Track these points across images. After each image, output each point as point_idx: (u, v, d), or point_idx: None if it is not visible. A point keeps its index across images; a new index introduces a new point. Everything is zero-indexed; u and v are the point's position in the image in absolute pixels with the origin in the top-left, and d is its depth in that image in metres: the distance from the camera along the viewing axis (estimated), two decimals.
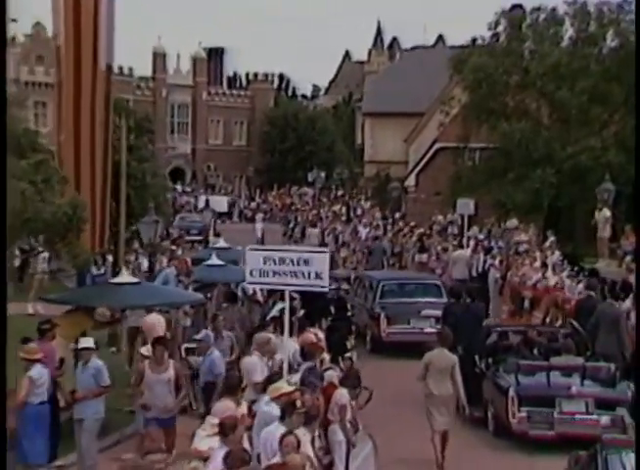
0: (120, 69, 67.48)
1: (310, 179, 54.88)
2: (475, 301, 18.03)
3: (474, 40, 36.55)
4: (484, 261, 28.71)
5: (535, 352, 15.33)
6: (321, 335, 13.55)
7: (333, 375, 11.64)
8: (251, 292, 18.15)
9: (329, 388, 11.25)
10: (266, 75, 78.50)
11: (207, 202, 39.99)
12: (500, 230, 34.16)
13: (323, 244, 41.51)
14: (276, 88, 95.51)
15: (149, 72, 70.70)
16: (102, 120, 17.77)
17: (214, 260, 17.38)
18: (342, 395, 11.25)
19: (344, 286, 23.00)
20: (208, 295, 17.13)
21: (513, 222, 34.00)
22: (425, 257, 33.68)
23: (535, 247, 29.90)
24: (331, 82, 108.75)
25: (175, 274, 16.33)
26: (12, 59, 63.87)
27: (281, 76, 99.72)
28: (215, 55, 77.68)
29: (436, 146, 42.78)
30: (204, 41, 77.43)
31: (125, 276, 13.56)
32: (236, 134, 76.83)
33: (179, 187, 65.82)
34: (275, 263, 10.05)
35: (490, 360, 15.04)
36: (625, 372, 14.47)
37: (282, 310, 15.16)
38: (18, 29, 65.70)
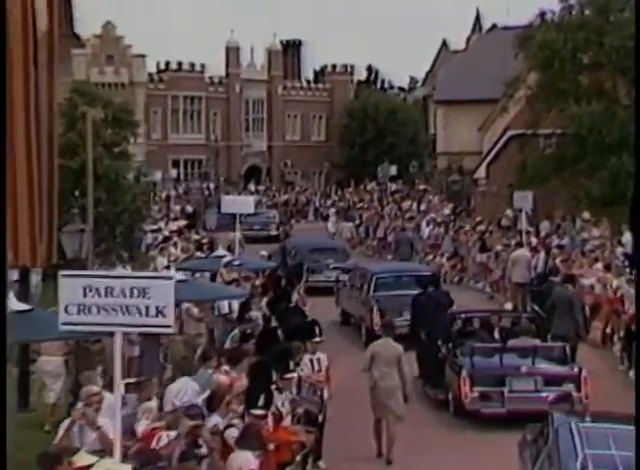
0: (192, 65, 65.61)
1: (380, 174, 51.42)
2: (437, 288, 18.36)
3: (542, 14, 32.59)
4: (546, 262, 25.29)
5: (497, 335, 16.20)
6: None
7: (232, 434, 8.74)
8: (226, 310, 15.36)
9: (224, 449, 8.41)
10: (345, 67, 75.23)
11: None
12: (569, 225, 30.58)
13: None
14: (364, 81, 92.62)
15: (222, 68, 68.36)
16: (45, 100, 14.76)
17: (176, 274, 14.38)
18: (244, 460, 8.35)
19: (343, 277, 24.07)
20: None
21: (585, 216, 30.35)
22: (485, 257, 30.46)
23: (608, 244, 26.33)
24: (428, 73, 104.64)
25: None
26: (82, 60, 62.65)
27: (369, 68, 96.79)
28: (293, 47, 74.92)
29: (508, 134, 39.03)
30: (287, 33, 75.08)
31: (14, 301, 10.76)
32: (314, 129, 73.87)
33: (252, 186, 63.38)
34: (100, 295, 7.08)
35: (451, 345, 15.77)
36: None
37: (242, 336, 12.49)
38: (87, 30, 64.84)
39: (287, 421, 10.50)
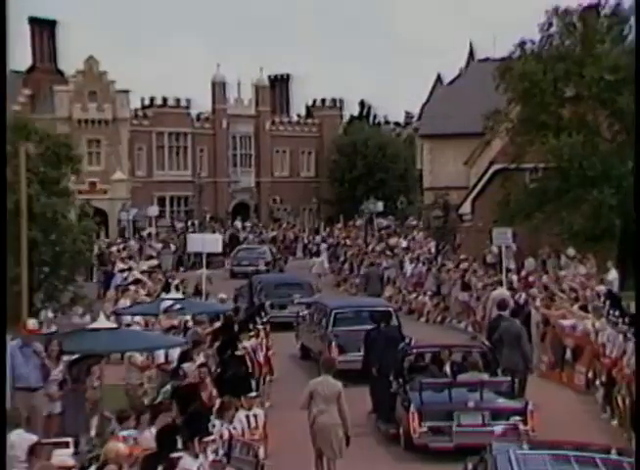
0: (177, 101, 64.78)
1: (365, 210, 50.29)
2: (388, 324, 18.37)
3: (522, 44, 31.66)
4: (526, 301, 24.18)
5: (449, 369, 16.28)
6: None
7: None
8: (161, 360, 14.18)
9: None
10: (334, 101, 74.39)
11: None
12: (554, 262, 29.53)
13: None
14: (356, 116, 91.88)
15: (208, 103, 67.48)
16: None
17: (102, 322, 13.22)
18: None
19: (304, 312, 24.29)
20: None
21: (569, 252, 29.26)
22: (467, 295, 29.39)
23: (595, 282, 25.25)
24: (422, 107, 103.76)
25: (20, 346, 12.28)
26: (65, 96, 61.80)
27: (362, 103, 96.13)
28: (281, 81, 74.15)
29: (494, 168, 37.97)
30: (272, 68, 74.28)
31: None
32: (303, 165, 72.86)
33: (239, 223, 62.29)
34: None
35: (401, 380, 15.91)
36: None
37: (172, 393, 11.35)
38: (71, 65, 64.01)
39: None
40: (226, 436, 11.25)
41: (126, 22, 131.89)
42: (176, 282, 26.37)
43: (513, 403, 15.22)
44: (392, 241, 46.27)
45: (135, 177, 62.78)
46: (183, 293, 22.85)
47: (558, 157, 28.33)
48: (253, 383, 12.42)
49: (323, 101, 74.17)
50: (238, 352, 14.87)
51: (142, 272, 29.42)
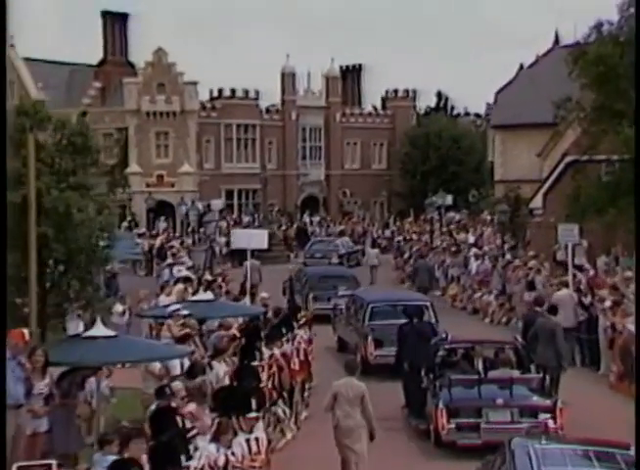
0: (246, 92, 63.62)
1: (442, 204, 48.27)
2: (421, 319, 18.27)
3: (598, 26, 29.36)
4: (592, 304, 22.30)
5: (481, 365, 16.03)
6: None
7: None
8: (178, 371, 12.78)
9: None
10: (407, 92, 72.31)
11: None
12: (629, 261, 27.40)
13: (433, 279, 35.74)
14: (433, 107, 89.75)
15: (277, 95, 66.22)
16: None
17: (100, 330, 11.77)
18: None
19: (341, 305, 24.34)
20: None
21: None
22: (533, 296, 27.43)
23: None
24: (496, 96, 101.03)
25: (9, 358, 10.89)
26: (134, 88, 61.16)
27: (439, 94, 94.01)
28: (352, 72, 72.49)
29: (566, 160, 35.84)
30: (345, 58, 72.61)
31: None
32: (375, 157, 71.10)
33: (307, 217, 60.91)
34: None
35: (432, 376, 15.95)
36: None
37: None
38: (141, 57, 63.33)
39: None
40: (222, 462, 9.81)
41: (196, 13, 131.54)
42: (207, 278, 25.13)
43: (542, 401, 15.14)
44: (461, 236, 44.40)
45: (203, 170, 61.87)
46: (214, 292, 21.38)
47: (631, 148, 26.14)
48: (276, 394, 10.93)
49: (396, 91, 72.21)
50: (255, 363, 13.38)
51: (188, 269, 28.20)
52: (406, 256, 41.68)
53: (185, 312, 15.22)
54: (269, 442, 10.63)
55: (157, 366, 14.05)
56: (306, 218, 60.11)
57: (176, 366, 13.28)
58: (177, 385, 10.96)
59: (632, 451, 9.39)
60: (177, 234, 49.12)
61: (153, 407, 10.49)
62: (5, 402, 9.45)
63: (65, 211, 15.26)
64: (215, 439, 10.08)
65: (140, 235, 46.51)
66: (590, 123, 29.55)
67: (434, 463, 14.74)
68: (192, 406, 10.48)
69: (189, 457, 8.83)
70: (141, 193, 59.30)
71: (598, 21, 29.78)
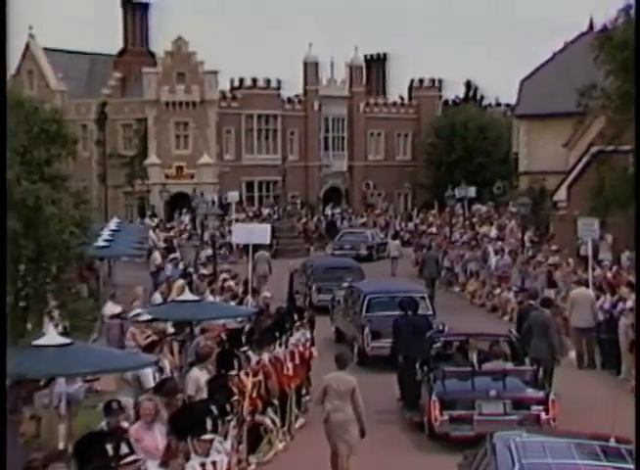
0: (267, 82, 62.42)
1: (458, 196, 46.89)
2: (416, 312, 18.21)
3: (626, 9, 27.89)
4: (613, 304, 20.97)
5: (475, 358, 16.07)
6: None
7: None
8: (151, 384, 11.66)
9: None
10: (433, 81, 70.77)
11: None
12: None
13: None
14: (462, 97, 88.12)
15: (299, 84, 64.94)
16: None
17: (51, 337, 10.55)
18: None
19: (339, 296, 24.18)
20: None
21: None
22: (553, 292, 26.17)
23: None
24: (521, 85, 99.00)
25: None
26: (153, 78, 60.13)
27: (468, 84, 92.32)
28: (377, 62, 71.11)
29: (592, 150, 34.35)
30: (370, 47, 71.06)
31: None
32: (399, 148, 69.68)
33: (329, 209, 59.64)
34: None
35: (426, 368, 15.96)
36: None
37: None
38: (161, 47, 62.24)
39: None
40: None
41: (217, 1, 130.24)
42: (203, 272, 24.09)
43: (535, 393, 15.22)
44: (484, 229, 43.04)
45: (223, 161, 60.82)
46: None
47: None
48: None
49: (421, 81, 70.73)
50: (233, 372, 12.19)
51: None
52: (425, 250, 40.36)
53: (146, 317, 14.03)
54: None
55: (129, 374, 12.94)
56: (328, 211, 58.85)
57: (148, 375, 12.14)
58: (127, 401, 9.84)
59: (612, 443, 9.45)
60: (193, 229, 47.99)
61: (103, 425, 9.40)
62: (5, 404, 9.19)
63: (34, 204, 14.16)
64: (164, 464, 8.96)
65: (154, 228, 45.49)
66: (615, 112, 28.20)
67: (427, 455, 14.81)
68: (136, 425, 9.36)
69: None
70: (160, 185, 58.35)
71: (627, 3, 28.41)
